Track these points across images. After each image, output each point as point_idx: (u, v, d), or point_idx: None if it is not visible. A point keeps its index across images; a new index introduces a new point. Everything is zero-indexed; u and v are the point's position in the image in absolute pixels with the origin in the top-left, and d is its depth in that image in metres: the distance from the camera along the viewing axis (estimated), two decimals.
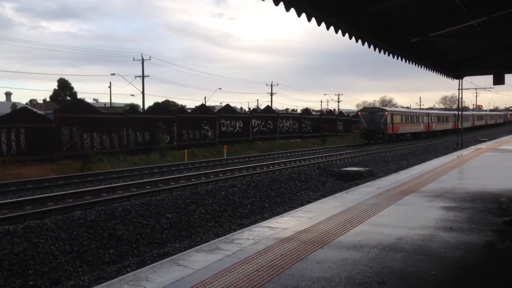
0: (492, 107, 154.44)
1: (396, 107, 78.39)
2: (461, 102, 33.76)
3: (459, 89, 29.44)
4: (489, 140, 36.56)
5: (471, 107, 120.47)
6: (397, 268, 4.69)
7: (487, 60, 14.01)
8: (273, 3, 5.09)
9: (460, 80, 24.75)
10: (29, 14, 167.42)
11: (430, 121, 53.11)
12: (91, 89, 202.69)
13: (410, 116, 49.04)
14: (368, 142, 40.99)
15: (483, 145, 26.08)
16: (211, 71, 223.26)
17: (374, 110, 45.24)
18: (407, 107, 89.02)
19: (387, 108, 47.99)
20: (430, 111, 61.07)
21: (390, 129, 42.32)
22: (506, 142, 28.95)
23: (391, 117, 42.75)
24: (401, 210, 7.68)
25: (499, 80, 15.02)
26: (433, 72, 13.29)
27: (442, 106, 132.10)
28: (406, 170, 14.53)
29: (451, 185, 10.30)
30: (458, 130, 41.18)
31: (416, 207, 7.88)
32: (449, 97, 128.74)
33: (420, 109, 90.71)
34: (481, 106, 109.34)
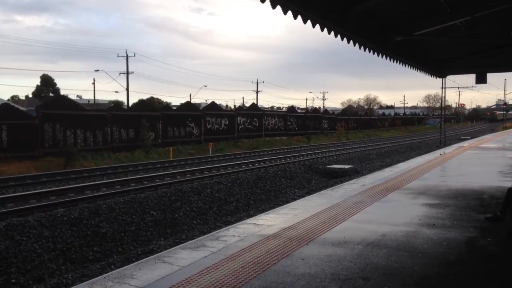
0: (474, 106, 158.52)
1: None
2: (444, 100, 34.66)
3: (442, 87, 29.87)
4: (471, 138, 37.12)
5: (454, 105, 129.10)
6: (381, 264, 4.74)
7: (470, 59, 14.24)
8: (259, 0, 5.08)
9: (443, 79, 25.05)
10: (0, 7, 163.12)
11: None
12: (71, 86, 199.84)
13: (500, 113, 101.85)
14: (490, 122, 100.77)
15: (465, 143, 26.46)
16: (192, 68, 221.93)
17: (493, 110, 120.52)
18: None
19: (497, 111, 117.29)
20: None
21: (498, 117, 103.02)
22: (487, 140, 29.43)
23: (496, 113, 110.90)
24: (385, 207, 7.75)
25: (481, 79, 15.26)
26: (417, 70, 13.44)
27: (426, 105, 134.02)
28: (390, 167, 14.67)
29: (434, 183, 10.43)
30: None
31: (399, 204, 7.97)
32: (433, 95, 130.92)
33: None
34: (464, 104, 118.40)
